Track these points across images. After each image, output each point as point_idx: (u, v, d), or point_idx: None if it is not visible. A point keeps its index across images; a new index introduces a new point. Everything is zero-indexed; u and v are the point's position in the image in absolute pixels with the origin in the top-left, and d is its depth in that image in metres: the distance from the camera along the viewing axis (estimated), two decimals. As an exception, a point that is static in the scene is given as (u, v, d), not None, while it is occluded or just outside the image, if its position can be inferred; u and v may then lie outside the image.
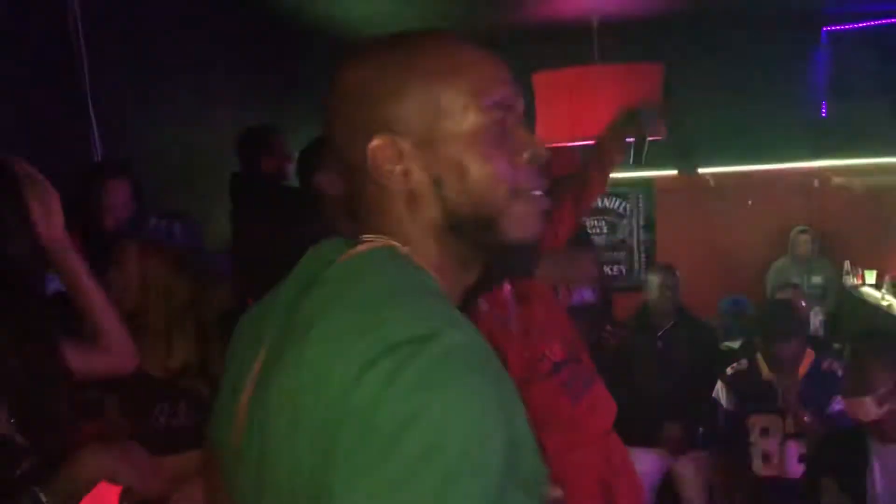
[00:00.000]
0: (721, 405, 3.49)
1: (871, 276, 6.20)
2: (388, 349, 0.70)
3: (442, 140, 0.85)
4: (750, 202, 6.49)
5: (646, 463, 3.70)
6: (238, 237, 3.64)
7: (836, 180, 6.43)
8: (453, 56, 0.88)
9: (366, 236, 0.88)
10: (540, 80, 4.26)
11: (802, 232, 6.12)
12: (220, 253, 3.46)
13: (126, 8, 3.68)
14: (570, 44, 5.25)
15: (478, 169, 0.85)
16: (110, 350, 1.73)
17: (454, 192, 0.85)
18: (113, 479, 1.38)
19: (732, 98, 5.99)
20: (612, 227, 6.75)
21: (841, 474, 2.49)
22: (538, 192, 0.89)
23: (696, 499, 3.92)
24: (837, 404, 3.03)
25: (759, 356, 3.40)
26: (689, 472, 3.91)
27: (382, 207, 0.88)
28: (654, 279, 4.21)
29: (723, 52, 5.92)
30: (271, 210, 3.21)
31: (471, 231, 0.87)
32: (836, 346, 4.57)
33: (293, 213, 2.51)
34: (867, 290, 6.11)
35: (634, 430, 2.85)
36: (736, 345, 4.65)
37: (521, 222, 0.87)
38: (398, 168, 0.85)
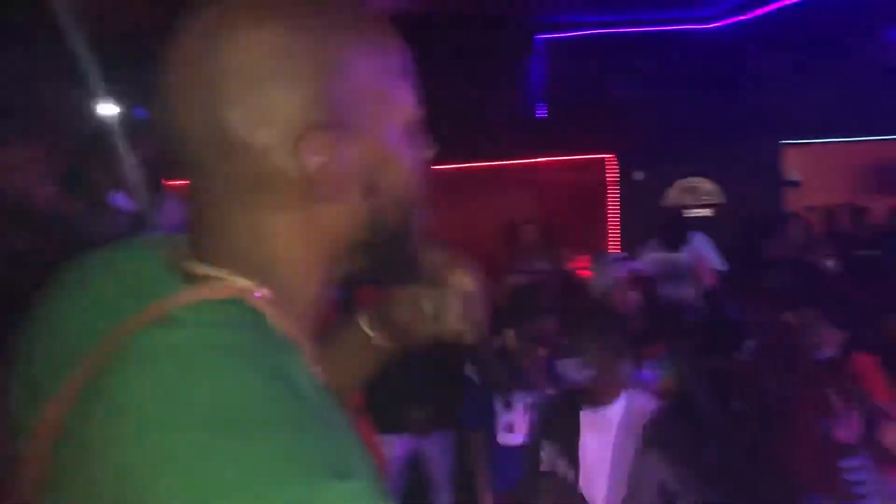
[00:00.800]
0: (472, 383, 3.70)
1: (585, 261, 6.92)
2: None
3: (381, 133, 0.68)
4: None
5: (395, 448, 3.84)
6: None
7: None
8: (388, 32, 0.70)
9: (202, 267, 0.65)
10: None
11: (528, 224, 6.63)
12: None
13: None
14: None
15: (407, 169, 0.70)
16: None
17: (386, 195, 0.68)
18: None
19: (458, 98, 6.33)
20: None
21: (558, 438, 2.77)
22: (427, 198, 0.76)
23: (442, 477, 4.13)
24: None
25: (507, 334, 3.65)
26: (436, 453, 4.11)
27: (274, 219, 0.65)
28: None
29: (448, 54, 6.25)
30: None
31: (389, 243, 0.71)
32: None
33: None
34: (582, 274, 6.79)
35: (383, 416, 2.95)
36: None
37: (425, 229, 0.75)
38: (329, 167, 0.64)
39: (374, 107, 0.67)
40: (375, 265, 0.72)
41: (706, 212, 6.93)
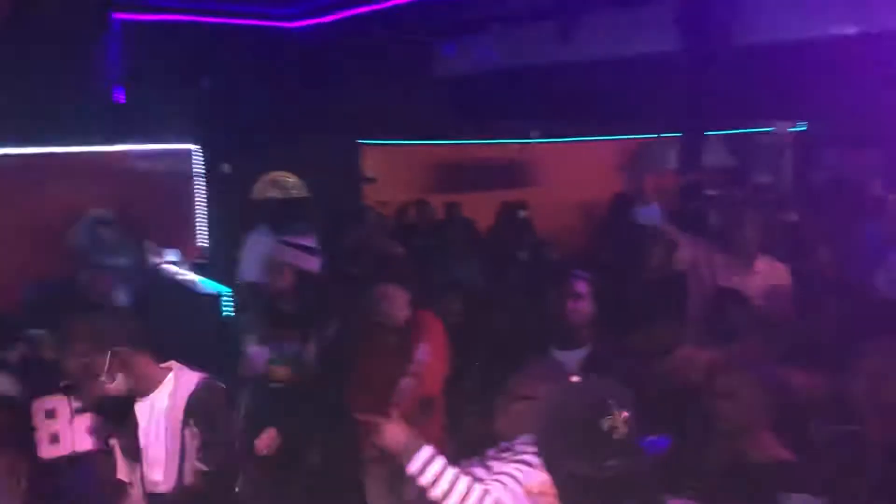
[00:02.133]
0: None
1: (173, 255, 6.68)
2: None
3: None
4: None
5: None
6: None
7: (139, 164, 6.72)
8: None
9: None
10: None
11: (100, 216, 6.18)
12: None
13: None
14: None
15: None
16: None
17: None
18: None
19: (28, 76, 5.73)
20: None
21: (119, 435, 2.68)
22: None
23: None
24: None
25: (42, 335, 3.37)
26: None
27: None
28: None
29: (12, 28, 5.63)
30: None
31: None
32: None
33: None
34: (170, 268, 6.56)
35: None
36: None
37: None
38: None
39: None
40: None
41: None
